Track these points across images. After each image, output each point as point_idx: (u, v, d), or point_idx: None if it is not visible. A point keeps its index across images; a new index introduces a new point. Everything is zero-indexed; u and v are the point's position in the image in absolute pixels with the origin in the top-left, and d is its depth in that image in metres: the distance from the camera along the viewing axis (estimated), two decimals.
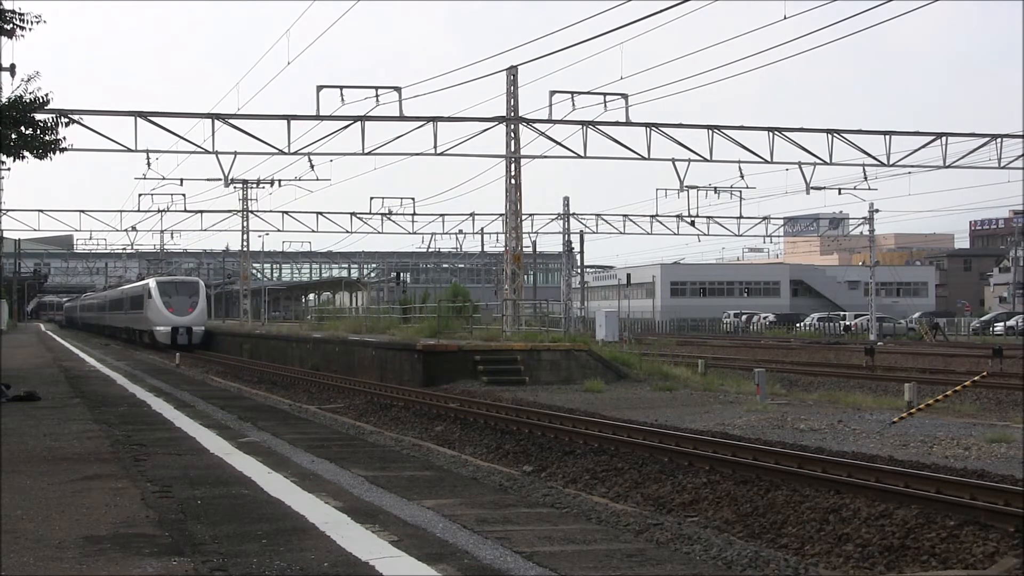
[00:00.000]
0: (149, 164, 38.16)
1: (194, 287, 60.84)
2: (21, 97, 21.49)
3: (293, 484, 10.32)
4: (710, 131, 36.51)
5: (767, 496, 12.41)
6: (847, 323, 79.57)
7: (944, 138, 39.27)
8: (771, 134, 37.09)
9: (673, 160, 39.03)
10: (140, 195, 76.96)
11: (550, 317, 42.52)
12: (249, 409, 19.91)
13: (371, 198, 58.72)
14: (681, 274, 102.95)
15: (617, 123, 35.49)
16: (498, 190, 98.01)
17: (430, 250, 77.73)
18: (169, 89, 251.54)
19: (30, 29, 21.11)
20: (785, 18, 26.08)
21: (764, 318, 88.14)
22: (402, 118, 34.09)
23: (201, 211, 64.03)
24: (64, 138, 22.29)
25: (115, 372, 30.59)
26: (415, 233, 64.52)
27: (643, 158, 36.38)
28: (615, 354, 33.65)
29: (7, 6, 21.15)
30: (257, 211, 62.52)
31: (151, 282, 60.46)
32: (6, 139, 21.56)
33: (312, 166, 39.94)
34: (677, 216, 63.08)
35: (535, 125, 35.62)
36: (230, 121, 33.95)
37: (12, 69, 23.56)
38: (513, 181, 35.84)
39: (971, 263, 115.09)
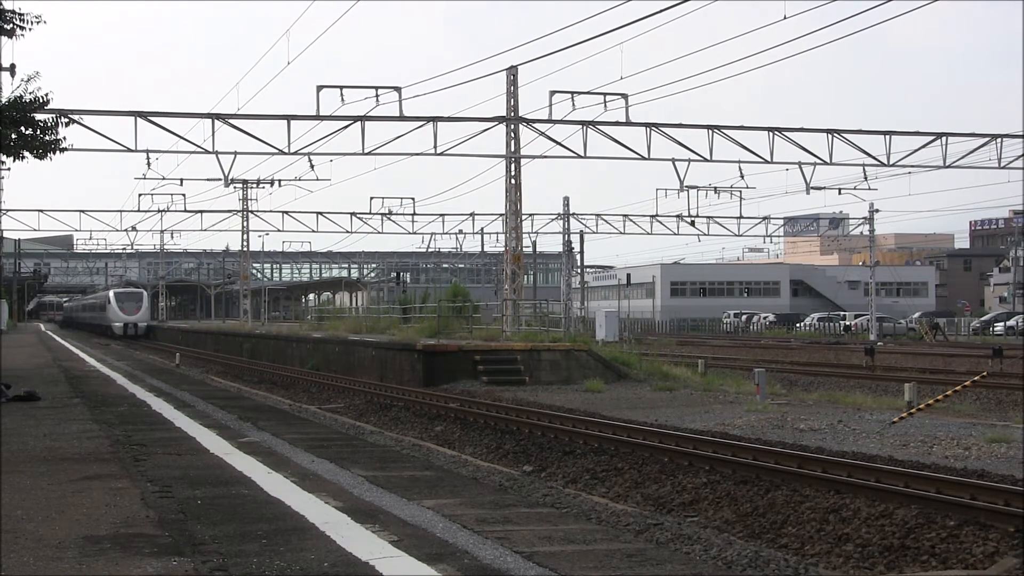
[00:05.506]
0: (149, 164, 38.26)
1: (139, 296, 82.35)
2: (21, 97, 21.46)
3: (293, 484, 10.31)
4: (710, 131, 36.52)
5: (767, 496, 12.41)
6: (847, 323, 79.56)
7: (944, 138, 39.28)
8: (771, 134, 37.09)
9: (673, 160, 39.06)
10: (140, 195, 77.42)
11: (550, 317, 42.45)
12: (249, 409, 19.91)
13: (371, 198, 58.81)
14: (681, 274, 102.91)
15: (617, 123, 35.50)
16: (498, 190, 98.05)
17: (430, 250, 77.76)
18: (169, 89, 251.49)
19: (30, 29, 21.11)
20: (785, 18, 26.14)
21: (764, 318, 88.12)
22: (402, 118, 34.09)
23: (201, 211, 64.25)
24: (64, 138, 22.26)
25: (115, 372, 30.58)
26: (415, 233, 64.59)
27: (643, 158, 36.39)
28: (615, 354, 33.63)
29: (7, 6, 21.16)
30: (257, 211, 62.67)
31: (110, 293, 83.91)
32: (6, 139, 21.54)
33: (312, 166, 40.01)
34: (677, 216, 63.09)
35: (535, 125, 35.63)
36: (230, 121, 33.95)
37: (12, 69, 23.57)
38: (513, 181, 35.84)
39: (971, 263, 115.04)
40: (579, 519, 9.95)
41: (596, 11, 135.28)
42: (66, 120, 23.15)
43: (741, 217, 62.17)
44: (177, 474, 10.85)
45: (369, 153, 35.20)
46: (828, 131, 37.84)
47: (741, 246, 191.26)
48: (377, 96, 33.41)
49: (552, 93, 34.58)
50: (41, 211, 60.75)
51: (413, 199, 58.91)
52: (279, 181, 54.26)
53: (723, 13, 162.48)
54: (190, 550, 7.36)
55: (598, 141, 36.92)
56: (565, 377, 29.67)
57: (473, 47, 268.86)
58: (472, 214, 66.85)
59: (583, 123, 35.45)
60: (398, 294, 65.57)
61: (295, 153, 34.82)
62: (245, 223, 62.66)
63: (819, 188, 48.58)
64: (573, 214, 58.35)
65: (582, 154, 35.83)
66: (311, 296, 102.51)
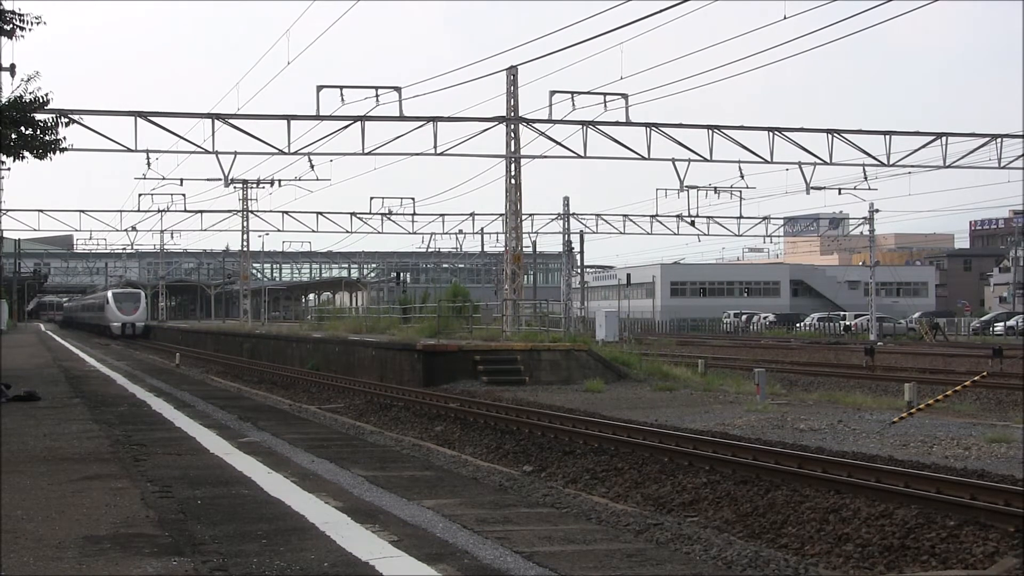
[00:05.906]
0: (149, 164, 38.28)
1: (137, 296, 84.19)
2: (21, 97, 21.46)
3: (293, 484, 10.31)
4: (710, 131, 36.52)
5: (767, 496, 12.41)
6: (847, 323, 79.54)
7: (944, 138, 39.28)
8: (771, 134, 37.09)
9: (673, 160, 39.06)
10: (140, 195, 77.72)
11: (550, 317, 42.43)
12: (249, 409, 19.90)
13: (371, 198, 58.84)
14: (681, 274, 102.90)
15: (617, 123, 35.49)
16: (498, 190, 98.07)
17: (430, 250, 77.74)
18: (169, 89, 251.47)
19: (30, 29, 21.11)
20: (785, 18, 26.14)
21: (764, 318, 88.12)
22: (402, 118, 34.09)
23: (201, 211, 64.28)
24: (64, 138, 22.26)
25: (115, 372, 30.58)
26: (415, 233, 64.58)
27: (643, 158, 36.38)
28: (615, 354, 33.63)
29: (7, 6, 21.15)
30: (257, 211, 62.69)
31: (108, 293, 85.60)
32: (6, 139, 21.54)
33: (312, 166, 40.01)
34: (677, 216, 63.09)
35: (535, 125, 35.63)
36: (230, 121, 33.95)
37: (12, 69, 23.54)
38: (513, 181, 35.84)
39: (971, 263, 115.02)
40: (579, 519, 9.95)
41: (596, 11, 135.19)
42: (66, 120, 23.14)
43: (741, 217, 62.23)
44: (177, 474, 10.85)
45: (369, 153, 35.23)
46: (828, 131, 37.84)
47: (741, 246, 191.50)
48: (377, 96, 33.45)
49: (552, 93, 34.59)
50: (41, 211, 60.84)
51: (413, 199, 59.03)
52: (279, 181, 54.32)
53: (723, 13, 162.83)
54: (190, 550, 7.36)
55: (598, 141, 36.99)
56: (565, 377, 29.67)
57: (473, 47, 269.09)
58: (472, 214, 66.90)
59: (583, 123, 35.45)
60: (398, 294, 65.62)
61: (295, 153, 34.85)
62: (245, 223, 62.69)
63: (819, 188, 48.63)
64: (573, 214, 58.33)
65: (582, 154, 35.83)
66: (311, 296, 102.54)
